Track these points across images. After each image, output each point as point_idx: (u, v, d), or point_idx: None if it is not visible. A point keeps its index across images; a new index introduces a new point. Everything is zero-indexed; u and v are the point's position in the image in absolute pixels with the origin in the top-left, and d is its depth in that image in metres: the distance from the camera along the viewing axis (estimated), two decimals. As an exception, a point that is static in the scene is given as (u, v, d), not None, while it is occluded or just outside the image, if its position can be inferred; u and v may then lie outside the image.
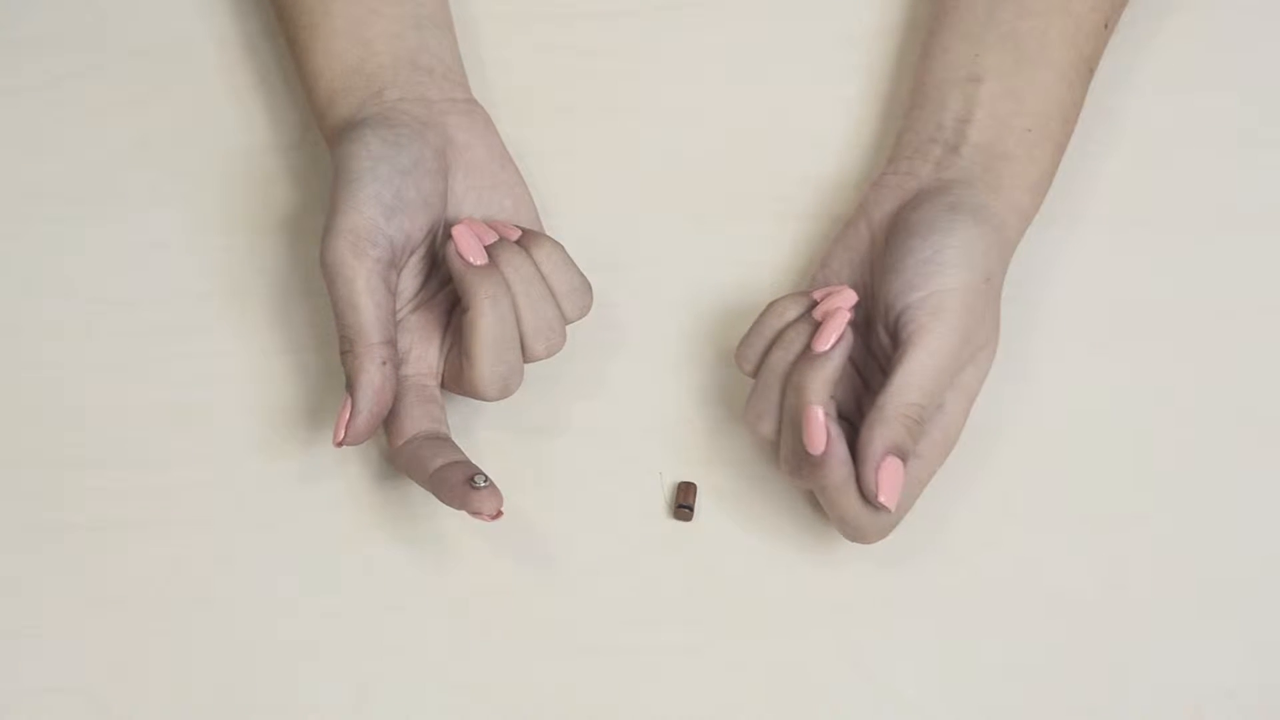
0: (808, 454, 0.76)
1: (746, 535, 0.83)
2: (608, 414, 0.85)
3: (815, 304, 0.79)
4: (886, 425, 0.76)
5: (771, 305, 0.80)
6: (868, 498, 0.77)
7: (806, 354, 0.77)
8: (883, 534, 0.78)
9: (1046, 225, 0.85)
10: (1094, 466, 0.83)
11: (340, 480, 0.83)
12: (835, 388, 0.78)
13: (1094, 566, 0.82)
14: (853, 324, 0.78)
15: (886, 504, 0.76)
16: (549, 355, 0.80)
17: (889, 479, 0.76)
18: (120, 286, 0.87)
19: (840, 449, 0.76)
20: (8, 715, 0.80)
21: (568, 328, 0.81)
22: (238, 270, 0.87)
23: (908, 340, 0.77)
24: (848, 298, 0.78)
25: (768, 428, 0.79)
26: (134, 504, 0.83)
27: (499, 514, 0.76)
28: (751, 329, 0.80)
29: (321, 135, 0.85)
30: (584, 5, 0.92)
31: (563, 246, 0.81)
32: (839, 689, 0.80)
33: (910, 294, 0.77)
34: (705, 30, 0.92)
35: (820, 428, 0.76)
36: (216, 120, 0.90)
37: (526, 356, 0.80)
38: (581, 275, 0.81)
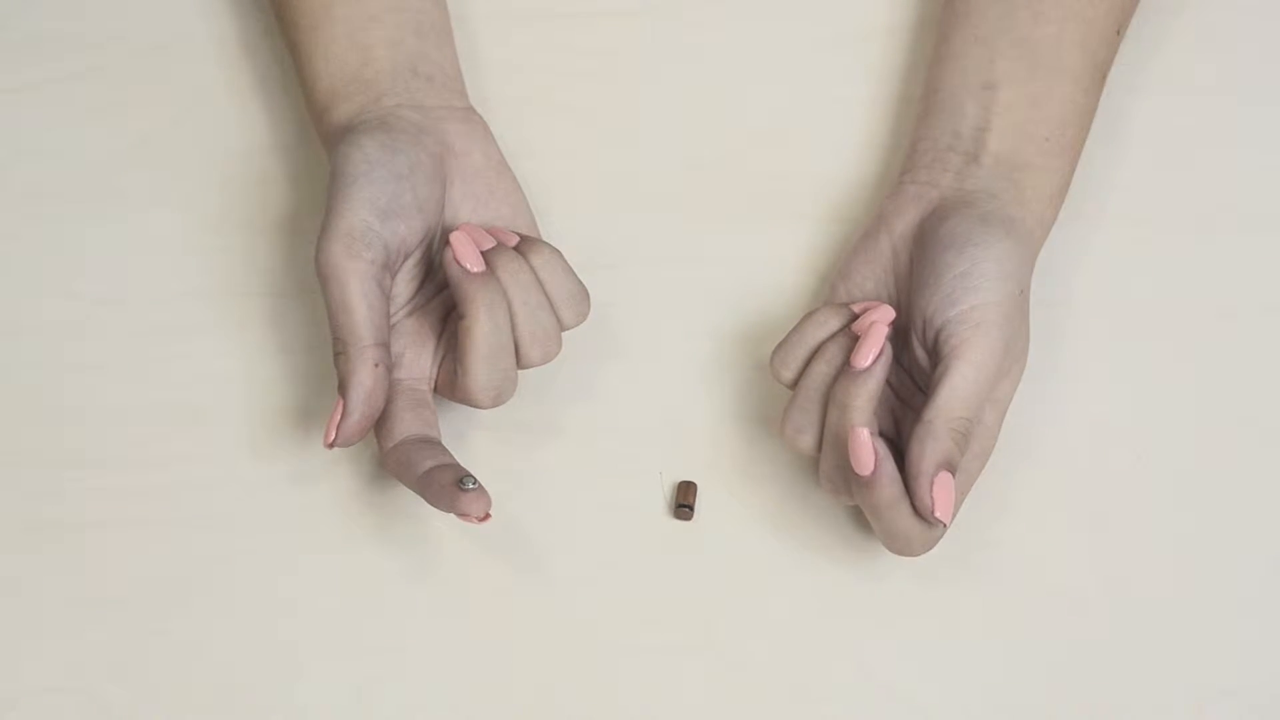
0: (856, 474, 0.76)
1: (746, 535, 0.83)
2: (607, 414, 0.85)
3: (855, 317, 0.79)
4: (936, 440, 0.76)
5: (811, 315, 0.80)
6: (922, 514, 0.76)
7: (847, 371, 0.77)
8: (930, 546, 0.78)
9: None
10: (1094, 466, 0.83)
11: (338, 480, 0.83)
12: (877, 404, 0.78)
13: (1095, 566, 0.82)
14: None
15: (942, 519, 0.76)
16: (544, 362, 0.80)
17: (943, 494, 0.76)
18: (120, 286, 0.87)
19: (889, 467, 0.76)
20: (8, 715, 0.80)
21: (566, 331, 0.81)
22: (236, 271, 0.87)
23: (951, 354, 0.76)
24: (886, 313, 0.78)
25: (808, 442, 0.79)
26: (134, 504, 0.83)
27: (487, 516, 0.76)
28: (789, 338, 0.80)
29: (319, 138, 0.85)
30: (584, 5, 0.92)
31: (561, 253, 0.81)
32: (839, 688, 0.80)
33: (950, 309, 0.77)
34: (705, 30, 0.92)
35: (868, 449, 0.75)
36: (216, 120, 0.90)
37: (522, 364, 0.80)
38: (579, 282, 0.81)
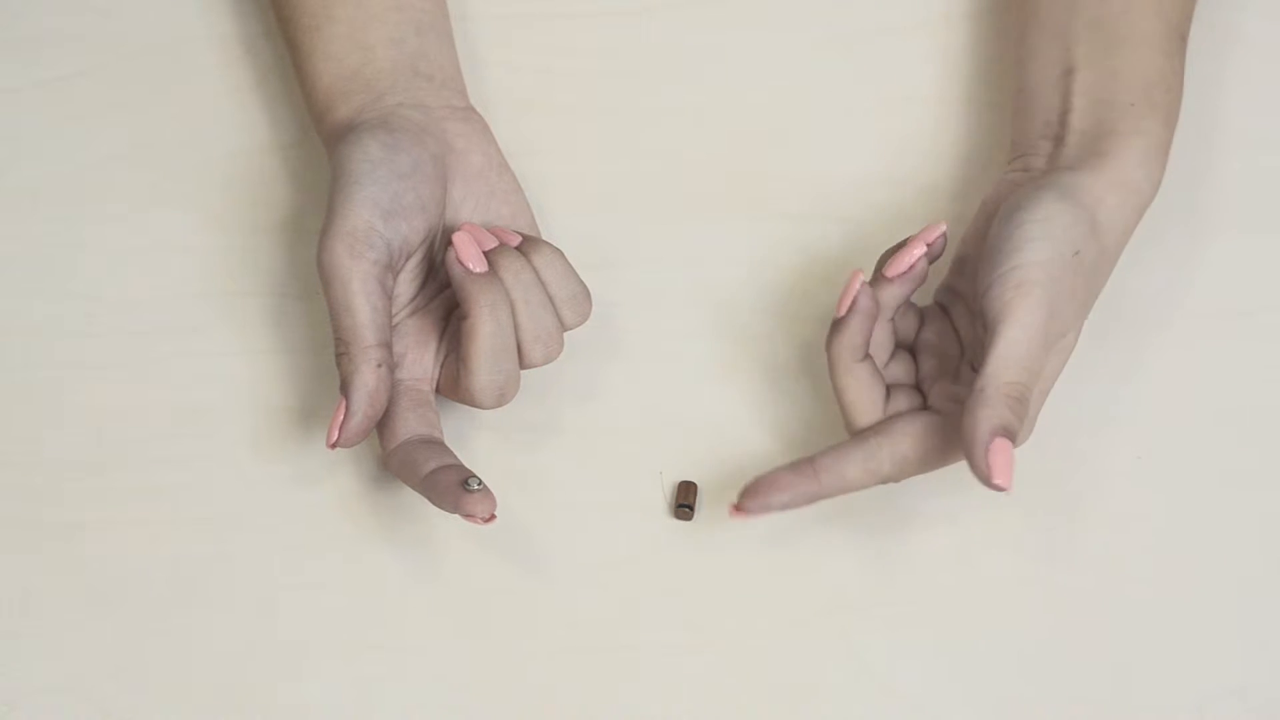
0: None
1: (747, 535, 0.83)
2: (607, 414, 0.85)
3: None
4: (989, 406, 0.75)
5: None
6: (981, 480, 0.75)
7: (880, 277, 0.79)
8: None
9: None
10: (1094, 466, 0.83)
11: (339, 481, 0.83)
12: (860, 351, 0.78)
13: (1094, 566, 0.82)
14: (940, 302, 0.81)
15: (1002, 485, 0.74)
16: (546, 363, 0.80)
17: (1000, 460, 0.74)
18: (120, 286, 0.87)
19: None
20: (8, 715, 0.80)
21: (567, 331, 0.81)
22: (236, 270, 0.87)
23: (996, 318, 0.75)
24: (903, 255, 0.79)
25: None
26: (134, 504, 0.83)
27: (492, 517, 0.76)
28: None
29: (319, 138, 0.85)
30: (584, 5, 0.92)
31: (563, 253, 0.81)
32: (839, 688, 0.80)
33: (991, 272, 0.76)
34: (706, 30, 0.92)
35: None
36: (216, 120, 0.90)
37: (524, 364, 0.80)
38: (581, 283, 0.81)
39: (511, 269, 0.79)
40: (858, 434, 0.79)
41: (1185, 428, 0.84)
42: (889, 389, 0.80)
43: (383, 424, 0.80)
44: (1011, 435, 0.75)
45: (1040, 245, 0.76)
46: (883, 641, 0.81)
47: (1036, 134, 0.82)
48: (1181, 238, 0.87)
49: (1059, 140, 0.82)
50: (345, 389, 0.78)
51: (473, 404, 0.79)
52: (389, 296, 0.79)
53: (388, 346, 0.78)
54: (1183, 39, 0.84)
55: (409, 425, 0.80)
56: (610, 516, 0.83)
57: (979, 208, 0.82)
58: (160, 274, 0.87)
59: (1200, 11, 0.90)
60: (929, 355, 0.81)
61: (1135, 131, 0.81)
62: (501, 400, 0.79)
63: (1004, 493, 0.75)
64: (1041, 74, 0.84)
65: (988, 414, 0.75)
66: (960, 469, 0.79)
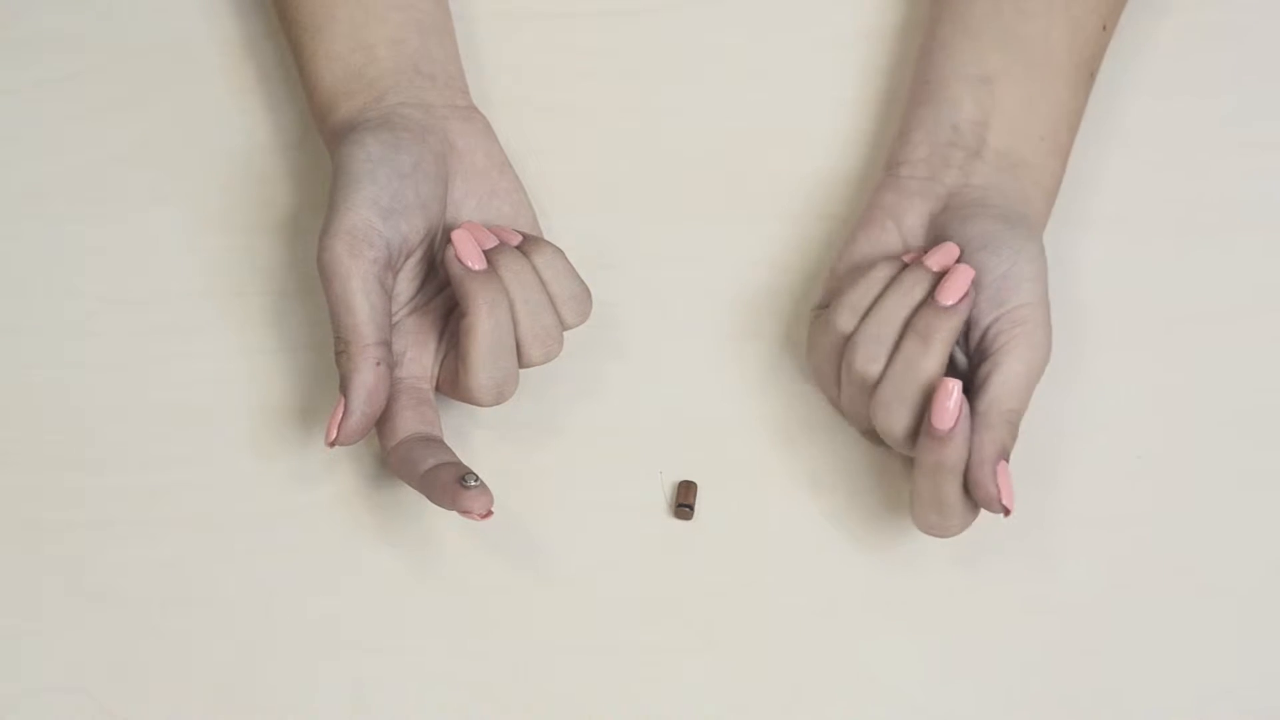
0: (932, 427, 0.76)
1: (747, 535, 0.83)
2: (607, 413, 0.85)
3: (906, 265, 0.80)
4: (993, 430, 0.76)
5: (873, 269, 0.80)
6: (985, 502, 0.76)
7: (933, 304, 0.78)
8: (965, 526, 0.78)
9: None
10: (1094, 466, 0.83)
11: (339, 480, 0.83)
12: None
13: (1094, 566, 0.82)
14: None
15: (1009, 505, 0.76)
16: (545, 361, 0.80)
17: (1006, 482, 0.76)
18: (120, 286, 0.87)
19: (966, 428, 0.76)
20: (8, 715, 0.80)
21: (567, 331, 0.81)
22: (237, 270, 0.87)
23: (1000, 351, 0.78)
24: (967, 269, 0.79)
25: (878, 370, 0.79)
26: (134, 504, 0.83)
27: (489, 514, 0.76)
28: (854, 290, 0.80)
29: (321, 137, 0.85)
30: (584, 5, 0.92)
31: (563, 253, 0.81)
32: (840, 688, 0.80)
33: (997, 309, 0.78)
34: (705, 30, 0.92)
35: (956, 403, 0.75)
36: (216, 120, 0.90)
37: (523, 362, 0.80)
38: (581, 282, 0.81)
39: (511, 268, 0.79)
40: None
41: (1185, 428, 0.84)
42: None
43: (382, 422, 0.80)
44: (1007, 458, 0.77)
45: (1035, 284, 0.79)
46: (883, 641, 0.81)
47: (944, 138, 0.83)
48: (1178, 237, 0.87)
49: (973, 153, 0.82)
50: (344, 387, 0.78)
51: (472, 402, 0.79)
52: (389, 295, 0.79)
53: (387, 345, 0.79)
54: (1091, 76, 0.85)
55: (408, 423, 0.80)
56: (610, 516, 0.83)
57: (875, 210, 0.83)
58: (160, 274, 0.87)
59: (1195, 11, 0.91)
60: None
61: (1043, 167, 0.83)
62: (500, 398, 0.79)
63: (1008, 516, 0.76)
64: (951, 69, 0.84)
65: (992, 438, 0.76)
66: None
